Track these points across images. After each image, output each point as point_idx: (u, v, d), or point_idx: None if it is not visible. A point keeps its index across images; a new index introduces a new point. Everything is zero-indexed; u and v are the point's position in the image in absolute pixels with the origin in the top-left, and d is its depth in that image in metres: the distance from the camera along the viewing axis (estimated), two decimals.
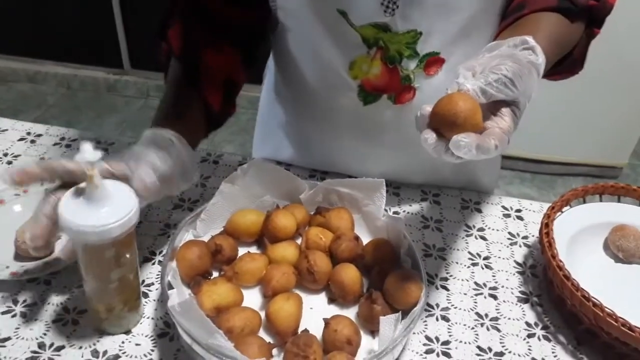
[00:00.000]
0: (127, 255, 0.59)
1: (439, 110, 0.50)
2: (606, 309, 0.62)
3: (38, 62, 2.95)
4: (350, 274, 0.67)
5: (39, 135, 0.96)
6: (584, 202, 0.82)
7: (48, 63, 2.95)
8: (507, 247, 0.82)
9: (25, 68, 2.95)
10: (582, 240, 0.77)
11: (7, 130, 0.97)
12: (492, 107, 0.52)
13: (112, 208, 0.55)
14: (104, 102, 2.87)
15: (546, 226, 0.73)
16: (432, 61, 0.76)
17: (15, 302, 0.67)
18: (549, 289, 0.74)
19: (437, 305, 0.72)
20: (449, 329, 0.69)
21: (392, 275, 0.65)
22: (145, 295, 0.70)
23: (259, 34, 0.83)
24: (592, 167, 2.48)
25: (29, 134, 0.96)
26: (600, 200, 0.83)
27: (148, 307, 0.68)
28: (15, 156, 0.91)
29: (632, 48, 2.12)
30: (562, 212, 0.79)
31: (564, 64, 0.71)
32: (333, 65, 0.77)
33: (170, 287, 0.64)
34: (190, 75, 0.78)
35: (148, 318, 0.67)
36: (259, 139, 1.06)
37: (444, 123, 0.49)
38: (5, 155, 0.91)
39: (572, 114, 2.30)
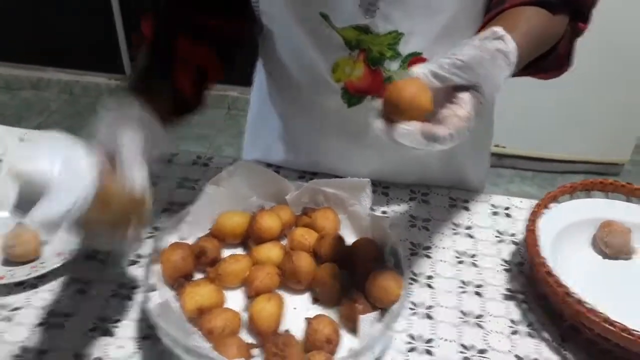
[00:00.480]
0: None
1: (386, 97, 0.49)
2: (587, 305, 0.62)
3: (41, 69, 2.98)
4: (333, 274, 0.67)
5: None
6: (572, 198, 0.82)
7: (50, 70, 2.98)
8: (494, 244, 0.82)
9: (28, 75, 2.97)
10: (569, 237, 0.77)
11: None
12: (452, 94, 0.51)
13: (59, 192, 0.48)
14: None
15: (532, 223, 0.73)
16: (415, 61, 0.76)
17: (2, 307, 0.68)
18: (533, 285, 0.73)
19: (422, 303, 0.72)
20: (432, 327, 0.69)
21: (373, 275, 0.65)
22: (130, 298, 0.70)
23: (240, 42, 0.83)
24: (594, 165, 2.47)
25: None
26: (589, 197, 0.83)
27: (133, 310, 0.69)
28: None
29: (632, 44, 2.11)
30: (549, 208, 0.79)
31: (549, 59, 0.70)
32: (317, 68, 0.78)
33: (153, 289, 0.64)
34: (159, 60, 0.75)
35: (132, 321, 0.68)
36: (250, 141, 1.06)
37: (390, 110, 0.49)
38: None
39: (572, 111, 2.29)
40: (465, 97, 0.50)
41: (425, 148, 0.49)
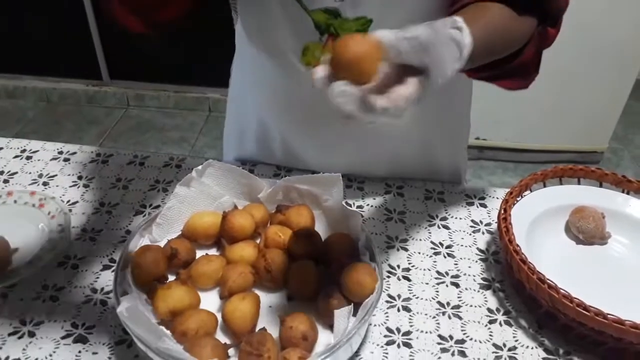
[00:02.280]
0: None
1: (333, 49, 0.47)
2: (561, 291, 0.62)
3: (16, 77, 2.94)
4: (307, 270, 0.67)
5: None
6: (545, 185, 0.82)
7: (27, 78, 2.94)
8: (470, 234, 0.82)
9: (4, 84, 2.93)
10: (543, 224, 0.77)
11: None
12: (400, 74, 0.50)
13: None
14: (85, 114, 2.85)
15: (504, 211, 0.73)
16: None
17: None
18: (509, 274, 0.73)
19: (399, 296, 0.72)
20: (410, 319, 0.69)
21: (347, 269, 0.64)
22: (104, 303, 0.69)
23: None
24: (574, 154, 2.49)
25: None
26: (560, 183, 0.83)
27: (106, 315, 0.68)
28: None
29: (605, 32, 2.13)
30: (522, 196, 0.79)
31: (513, 63, 0.69)
32: (288, 53, 0.77)
33: (125, 293, 0.63)
34: None
35: (106, 326, 0.67)
36: (227, 140, 1.06)
37: (333, 63, 0.47)
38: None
39: (550, 102, 2.30)
40: (412, 80, 0.49)
41: (356, 114, 0.47)
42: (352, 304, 0.61)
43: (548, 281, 0.63)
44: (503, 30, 0.64)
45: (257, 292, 0.67)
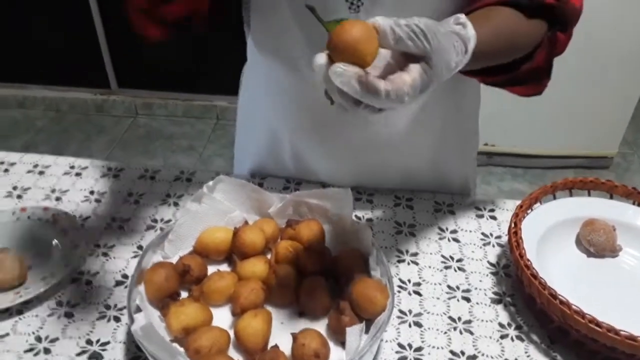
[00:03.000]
0: None
1: (331, 34, 0.48)
2: (573, 307, 0.62)
3: (25, 86, 2.97)
4: (318, 286, 0.67)
5: (13, 164, 0.96)
6: (554, 198, 0.82)
7: (35, 87, 2.96)
8: (481, 247, 0.82)
9: (13, 93, 2.96)
10: (554, 237, 0.77)
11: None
12: (402, 63, 0.50)
13: None
14: (93, 122, 2.87)
15: (514, 225, 0.73)
16: None
17: None
18: (520, 288, 0.73)
19: (410, 311, 0.72)
20: (421, 335, 0.69)
21: (358, 285, 0.65)
22: (118, 319, 0.70)
23: None
24: (583, 159, 2.48)
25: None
26: (570, 195, 0.83)
27: (120, 331, 0.68)
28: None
29: (614, 37, 2.12)
30: (532, 209, 0.79)
31: (524, 68, 0.69)
32: (300, 61, 0.77)
33: (138, 310, 0.64)
34: None
35: (120, 342, 0.67)
36: (238, 152, 1.07)
37: (331, 47, 0.48)
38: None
39: (559, 107, 2.29)
40: (414, 67, 0.49)
41: (359, 98, 0.47)
42: (364, 321, 0.62)
43: (560, 297, 0.63)
44: (510, 32, 0.64)
45: (269, 308, 0.68)
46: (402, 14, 0.71)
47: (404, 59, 0.50)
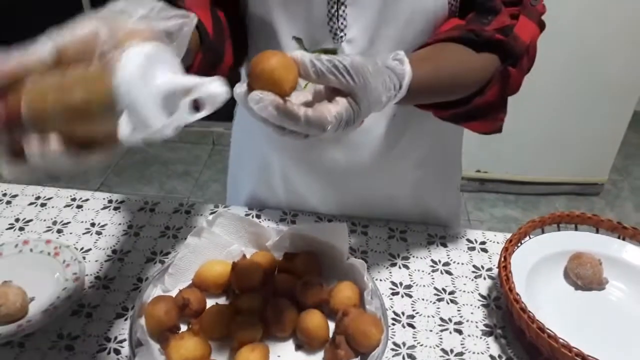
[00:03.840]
0: None
1: (251, 63, 0.50)
2: (560, 340, 0.64)
3: None
4: (315, 320, 0.69)
5: (15, 196, 0.98)
6: (543, 232, 0.85)
7: None
8: (472, 280, 0.84)
9: None
10: (542, 270, 0.80)
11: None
12: (331, 97, 0.52)
13: None
14: None
15: (504, 259, 0.76)
16: None
17: None
18: (510, 320, 0.76)
19: (404, 344, 0.74)
20: None
21: (353, 320, 0.67)
22: (118, 351, 0.72)
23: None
24: (574, 185, 2.52)
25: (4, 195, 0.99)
26: (558, 229, 0.85)
27: None
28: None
29: (603, 65, 2.17)
30: (521, 243, 0.82)
31: (475, 103, 0.70)
32: None
33: (139, 344, 0.66)
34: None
35: None
36: (232, 184, 1.09)
37: (250, 76, 0.50)
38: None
39: (549, 134, 2.34)
40: (340, 99, 0.51)
41: (278, 124, 0.49)
42: (359, 356, 0.63)
43: (548, 330, 0.66)
44: (453, 69, 0.67)
45: (266, 341, 0.69)
46: (384, 45, 0.74)
47: (334, 93, 0.53)
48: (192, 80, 0.44)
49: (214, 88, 0.44)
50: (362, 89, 0.52)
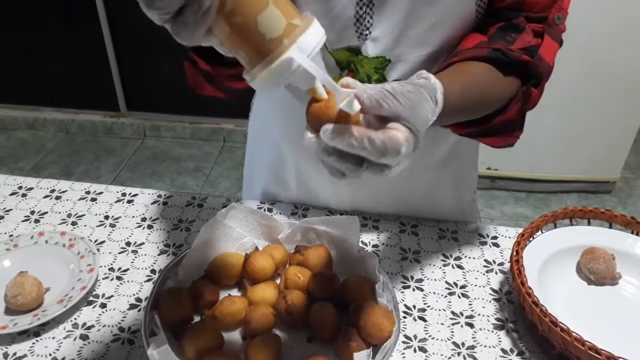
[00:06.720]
0: None
1: (315, 109, 0.50)
2: (573, 334, 0.64)
3: (36, 108, 3.02)
4: (327, 312, 0.70)
5: (30, 189, 1.00)
6: (555, 226, 0.84)
7: (46, 109, 3.02)
8: (484, 274, 0.84)
9: (24, 115, 3.01)
10: (554, 265, 0.79)
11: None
12: (381, 124, 0.51)
13: None
14: (102, 144, 2.92)
15: (516, 253, 0.76)
16: None
17: (6, 356, 0.70)
18: (522, 314, 0.75)
19: (415, 336, 0.74)
20: None
21: (365, 311, 0.67)
22: (132, 342, 0.72)
23: None
24: (586, 183, 2.50)
25: (20, 187, 1.00)
26: (571, 224, 0.85)
27: (133, 354, 0.71)
28: (7, 210, 0.95)
29: (616, 63, 2.16)
30: (534, 238, 0.81)
31: (497, 120, 0.71)
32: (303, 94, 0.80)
33: (153, 334, 0.66)
34: None
35: None
36: (247, 179, 1.10)
37: (320, 120, 0.49)
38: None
39: (561, 132, 2.33)
40: (397, 125, 0.50)
41: (358, 153, 0.48)
42: (371, 347, 0.64)
43: (560, 324, 0.65)
44: (484, 86, 0.67)
45: (278, 332, 0.70)
46: (408, 47, 0.74)
47: (379, 121, 0.51)
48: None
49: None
50: (410, 110, 0.51)
